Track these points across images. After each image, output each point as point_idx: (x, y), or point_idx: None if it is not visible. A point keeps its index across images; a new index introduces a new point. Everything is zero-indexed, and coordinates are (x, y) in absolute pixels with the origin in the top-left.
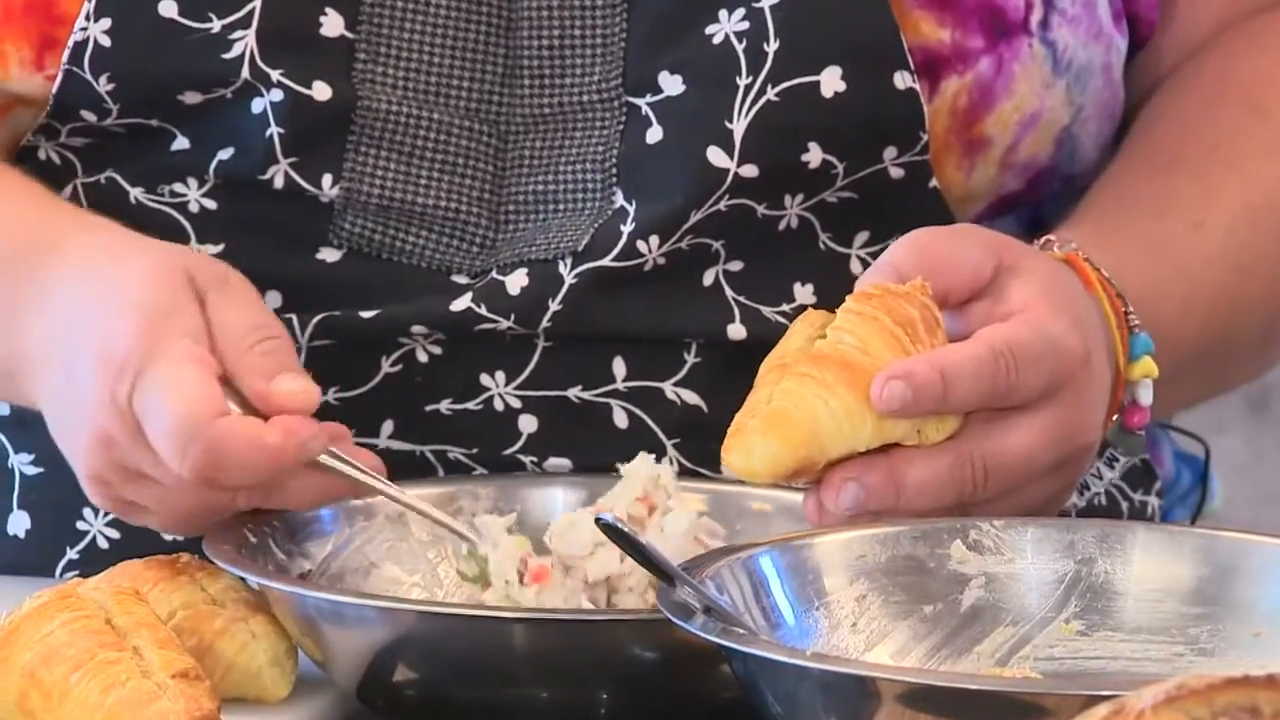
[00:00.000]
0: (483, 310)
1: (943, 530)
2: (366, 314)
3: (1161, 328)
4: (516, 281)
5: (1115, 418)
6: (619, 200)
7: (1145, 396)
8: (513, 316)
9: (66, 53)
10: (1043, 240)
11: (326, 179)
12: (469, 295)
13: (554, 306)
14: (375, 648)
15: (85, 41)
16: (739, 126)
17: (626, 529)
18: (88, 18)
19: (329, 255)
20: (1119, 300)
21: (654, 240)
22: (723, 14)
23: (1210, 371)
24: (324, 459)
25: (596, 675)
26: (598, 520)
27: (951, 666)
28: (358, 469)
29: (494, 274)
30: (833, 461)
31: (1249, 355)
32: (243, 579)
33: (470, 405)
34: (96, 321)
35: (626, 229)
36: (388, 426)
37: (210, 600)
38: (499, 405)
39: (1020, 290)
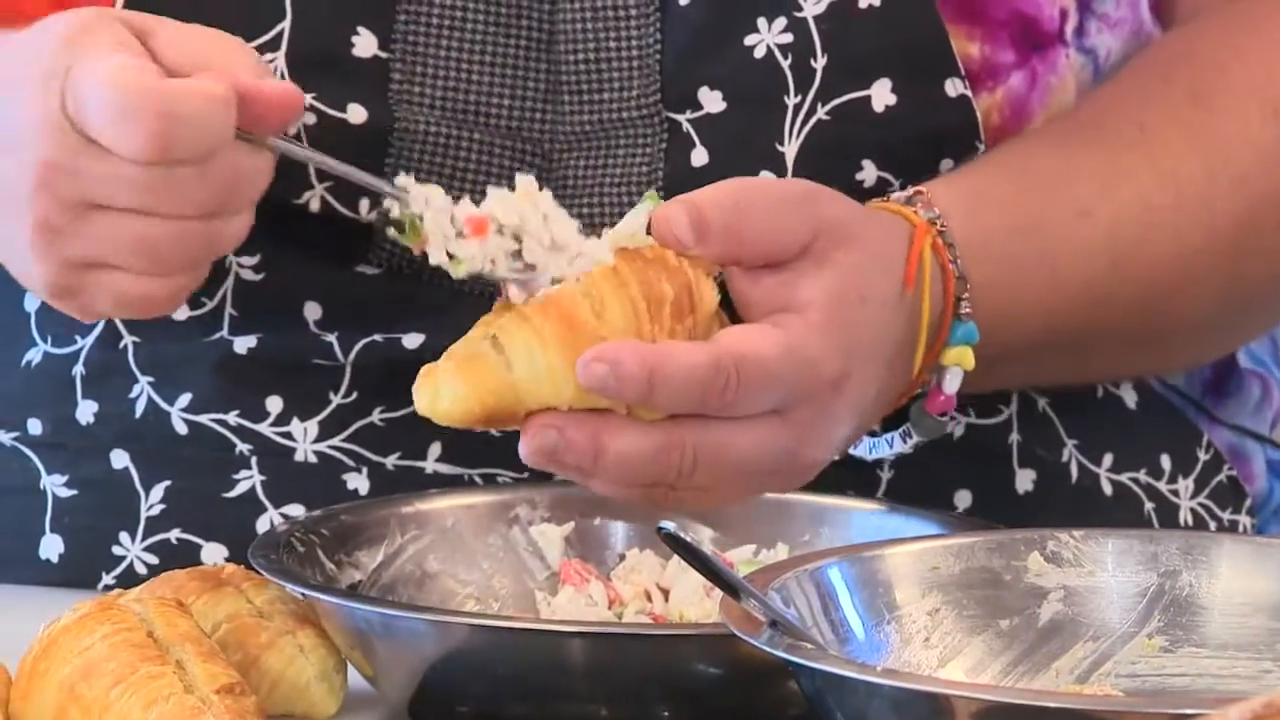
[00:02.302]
0: None
1: (1019, 541)
2: (410, 344)
3: (1004, 315)
4: None
5: (919, 393)
6: None
7: (951, 385)
8: None
9: None
10: (913, 192)
11: (364, 203)
12: None
13: None
14: (427, 662)
15: None
16: (790, 149)
17: (689, 539)
18: None
19: (368, 269)
20: (957, 282)
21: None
22: (761, 23)
23: (1062, 360)
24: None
25: (657, 691)
26: (659, 529)
27: (1028, 683)
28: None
29: None
30: (532, 412)
31: (1112, 351)
32: (290, 590)
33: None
34: (22, 54)
35: None
36: (435, 449)
37: (256, 612)
38: None
39: (810, 286)
